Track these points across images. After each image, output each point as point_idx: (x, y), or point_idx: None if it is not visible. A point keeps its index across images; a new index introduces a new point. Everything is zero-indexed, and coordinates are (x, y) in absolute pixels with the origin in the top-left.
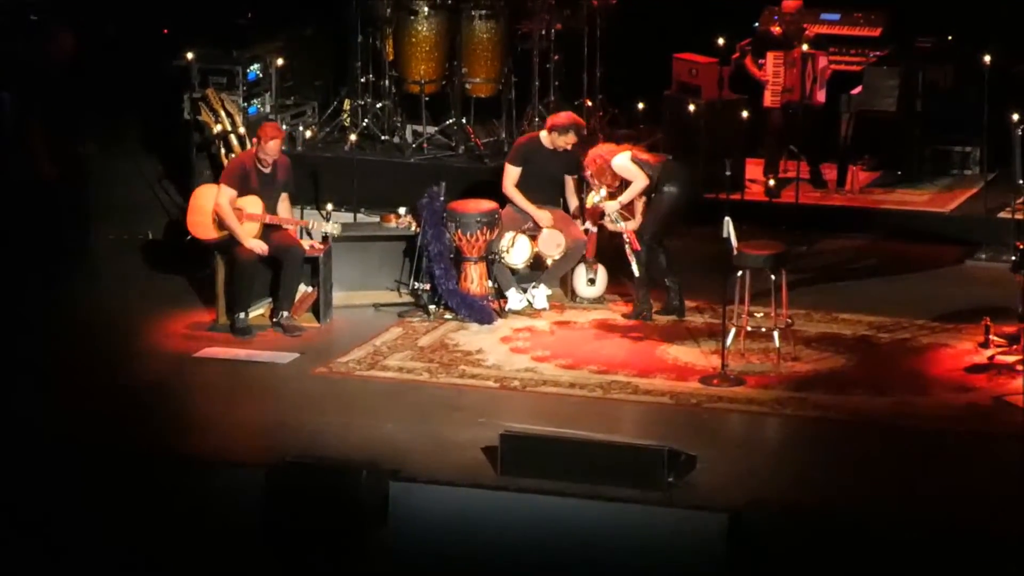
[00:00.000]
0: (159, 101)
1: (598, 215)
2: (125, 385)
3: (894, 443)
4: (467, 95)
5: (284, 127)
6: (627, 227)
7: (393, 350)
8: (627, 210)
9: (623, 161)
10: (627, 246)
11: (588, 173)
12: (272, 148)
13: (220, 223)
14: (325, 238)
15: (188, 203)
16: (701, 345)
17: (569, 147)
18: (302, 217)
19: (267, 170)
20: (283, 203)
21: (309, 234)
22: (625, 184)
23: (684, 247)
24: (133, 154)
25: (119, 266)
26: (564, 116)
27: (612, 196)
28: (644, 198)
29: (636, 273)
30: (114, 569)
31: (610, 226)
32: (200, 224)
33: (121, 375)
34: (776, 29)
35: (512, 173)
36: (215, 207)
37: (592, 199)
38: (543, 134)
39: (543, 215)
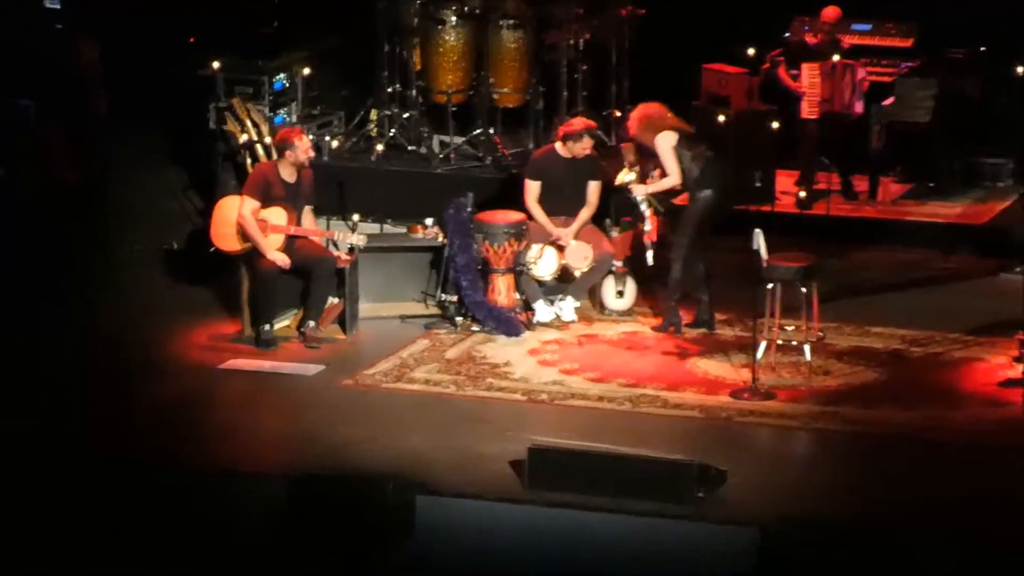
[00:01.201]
0: (185, 111)
1: (624, 192)
2: (148, 397)
3: (926, 458)
4: (494, 105)
5: (310, 137)
6: (649, 214)
7: (420, 362)
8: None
9: (665, 145)
10: (644, 232)
11: (624, 144)
12: (305, 149)
13: (244, 235)
14: (351, 250)
15: (212, 214)
16: (731, 358)
17: (587, 152)
18: (328, 228)
19: (291, 180)
20: (307, 216)
21: (336, 245)
22: (647, 161)
23: (713, 258)
24: (158, 164)
25: (143, 276)
26: (576, 122)
27: (640, 178)
28: (659, 170)
29: (649, 262)
30: None
31: (636, 193)
32: (224, 235)
33: (144, 387)
34: (811, 39)
35: (532, 188)
36: (238, 218)
37: (621, 178)
38: (558, 145)
39: (565, 232)
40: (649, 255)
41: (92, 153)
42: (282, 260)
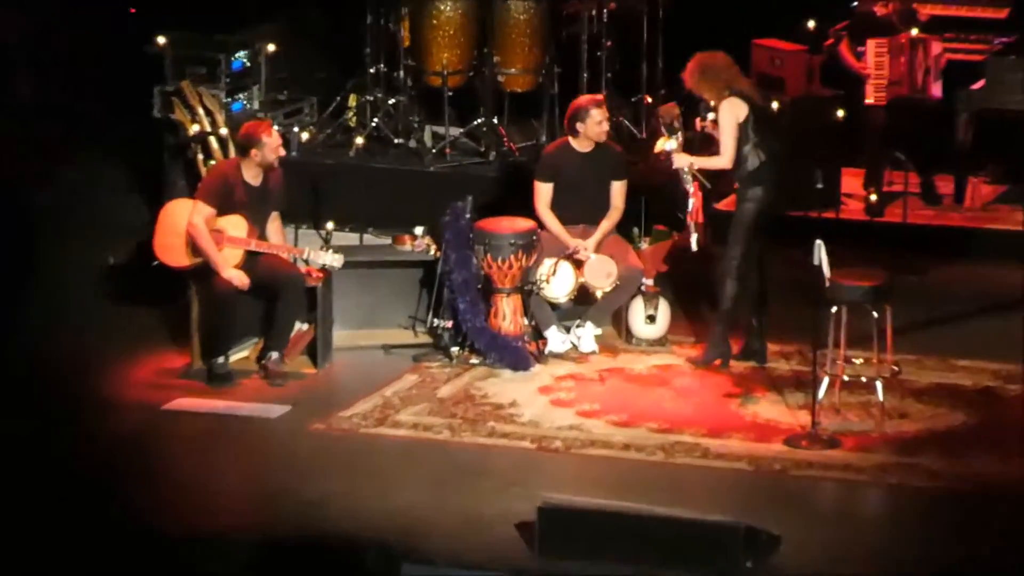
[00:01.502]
0: (124, 95)
1: (665, 162)
2: (78, 445)
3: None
4: (500, 89)
5: (276, 128)
6: (694, 188)
7: (407, 402)
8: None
9: (730, 117)
10: (689, 210)
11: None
12: (274, 148)
13: (195, 247)
14: (327, 242)
15: (157, 221)
16: (787, 398)
17: (603, 133)
18: (296, 241)
19: (256, 183)
20: (273, 223)
21: (305, 262)
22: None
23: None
24: (92, 160)
25: (72, 296)
26: (578, 100)
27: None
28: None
29: (694, 247)
30: None
31: (677, 163)
32: (171, 247)
33: (74, 433)
34: (880, 10)
35: (544, 191)
36: (188, 227)
37: (661, 145)
38: (571, 136)
39: (584, 244)
40: (693, 238)
41: (11, 147)
42: (239, 279)
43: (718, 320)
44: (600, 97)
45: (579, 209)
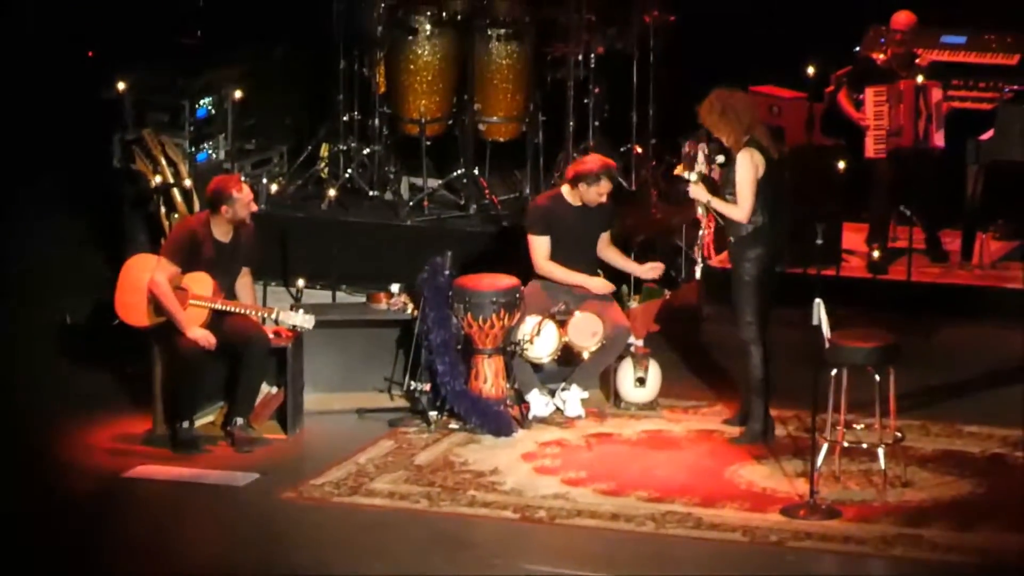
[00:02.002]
0: (82, 145)
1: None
2: (34, 516)
3: None
4: (481, 138)
5: (243, 179)
6: (707, 220)
7: (382, 470)
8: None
9: (749, 166)
10: (699, 242)
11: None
12: (245, 204)
13: (157, 305)
14: (297, 300)
15: (118, 278)
16: (784, 465)
17: (601, 200)
18: (264, 299)
19: (226, 240)
20: (243, 279)
21: (275, 322)
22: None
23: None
24: (47, 212)
25: (27, 357)
26: (591, 160)
27: (706, 182)
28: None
29: (697, 276)
30: None
31: (693, 194)
32: (132, 306)
33: (28, 503)
34: (879, 56)
35: (541, 245)
36: (150, 285)
37: (681, 171)
38: (565, 189)
39: (597, 283)
40: (699, 269)
41: None
42: (205, 339)
43: (755, 392)
44: (613, 164)
45: (571, 262)
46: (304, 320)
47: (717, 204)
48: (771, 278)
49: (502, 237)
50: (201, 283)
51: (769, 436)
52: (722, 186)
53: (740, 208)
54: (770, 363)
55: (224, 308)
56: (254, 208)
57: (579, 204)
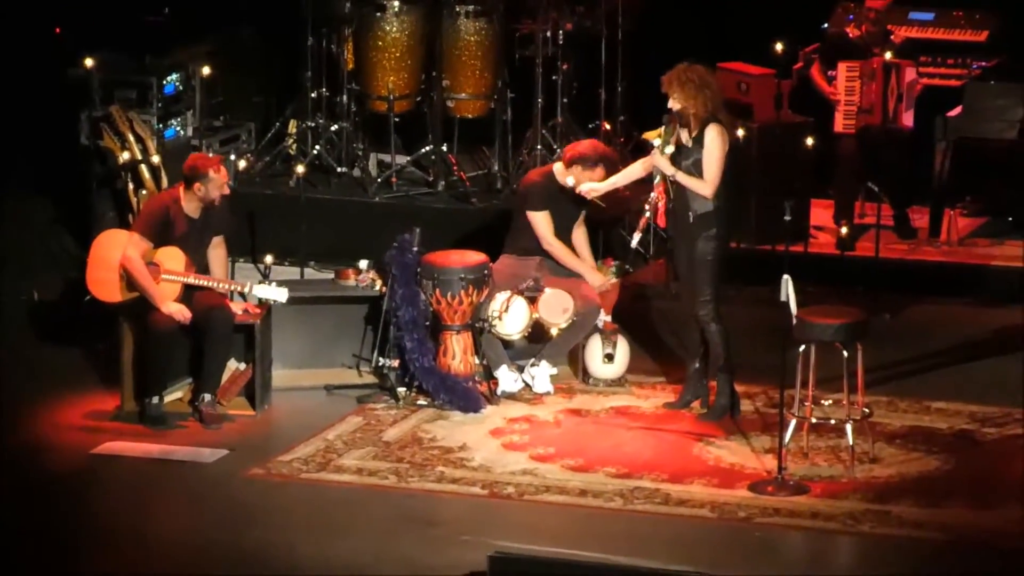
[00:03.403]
0: (49, 122)
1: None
2: (2, 492)
3: (1002, 570)
4: (449, 115)
5: (211, 155)
6: (660, 191)
7: (351, 446)
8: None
9: (721, 143)
10: (648, 208)
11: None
12: (219, 185)
13: (130, 281)
14: (260, 303)
15: (88, 254)
16: (751, 441)
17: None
18: (232, 275)
19: (196, 215)
20: (217, 249)
21: (243, 296)
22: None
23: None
24: (14, 190)
25: None
26: (586, 146)
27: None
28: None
29: (633, 244)
30: None
31: (656, 162)
32: (104, 282)
33: None
34: (853, 32)
35: (545, 220)
36: (123, 260)
37: (651, 136)
38: (558, 167)
39: (596, 280)
40: (637, 236)
41: None
42: (180, 313)
43: (721, 369)
44: (611, 153)
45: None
46: (276, 292)
47: (683, 178)
48: (727, 256)
49: (471, 214)
50: (173, 258)
51: (736, 411)
52: (681, 162)
53: (708, 183)
54: (730, 338)
55: (197, 283)
56: (226, 191)
57: (562, 186)
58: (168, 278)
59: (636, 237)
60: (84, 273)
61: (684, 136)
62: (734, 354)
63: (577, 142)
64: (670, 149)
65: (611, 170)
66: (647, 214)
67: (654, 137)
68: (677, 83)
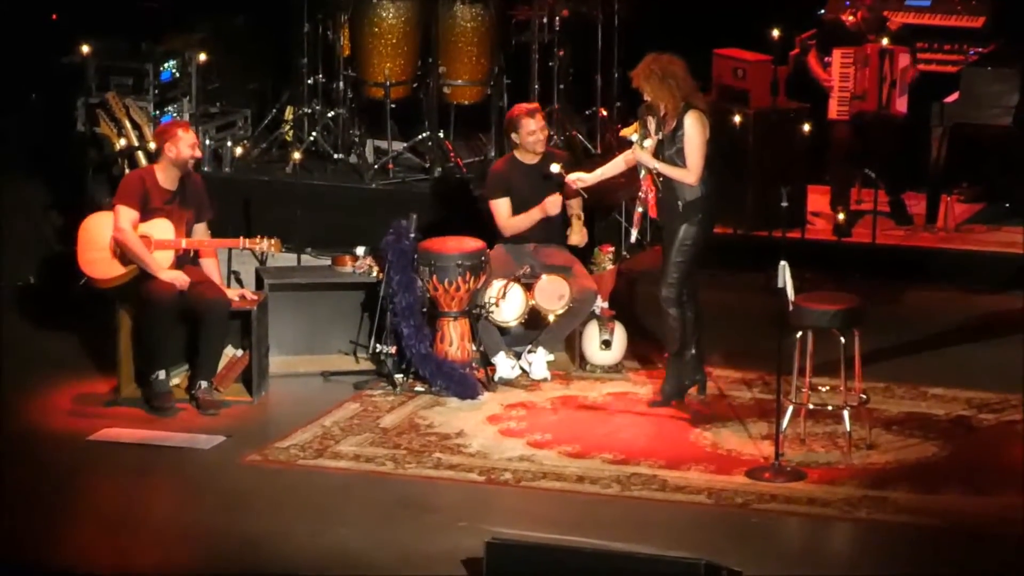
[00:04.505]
0: (46, 108)
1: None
2: None
3: (999, 557)
4: (445, 101)
5: (208, 142)
6: (648, 182)
7: (348, 432)
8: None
9: (700, 130)
10: (639, 203)
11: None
12: (190, 144)
13: (124, 255)
14: (259, 279)
15: (76, 238)
16: (748, 428)
17: (540, 143)
18: (229, 262)
19: (173, 187)
20: (200, 236)
21: (239, 282)
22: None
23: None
24: (10, 177)
25: None
26: (513, 108)
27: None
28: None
29: (633, 239)
30: None
31: (637, 156)
32: (97, 261)
33: None
34: (849, 18)
35: (502, 207)
36: (115, 233)
37: (629, 132)
38: (517, 150)
39: (551, 200)
40: (634, 232)
41: None
42: (180, 279)
43: (674, 355)
44: (534, 105)
45: (535, 227)
46: (270, 244)
47: (665, 168)
48: (707, 244)
49: (468, 200)
50: (162, 228)
51: (681, 397)
52: (664, 152)
53: (691, 171)
54: (700, 323)
55: (188, 248)
56: (198, 154)
57: (533, 162)
58: (161, 247)
59: (634, 232)
60: (76, 257)
61: (653, 125)
62: (689, 343)
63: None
64: (649, 143)
65: (541, 117)
66: (639, 209)
67: (631, 133)
68: (644, 77)
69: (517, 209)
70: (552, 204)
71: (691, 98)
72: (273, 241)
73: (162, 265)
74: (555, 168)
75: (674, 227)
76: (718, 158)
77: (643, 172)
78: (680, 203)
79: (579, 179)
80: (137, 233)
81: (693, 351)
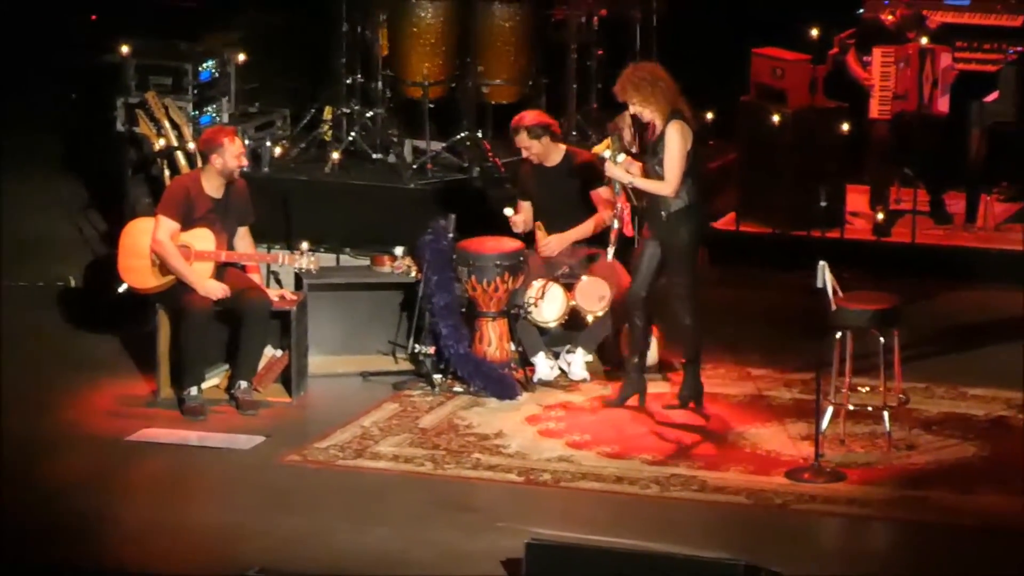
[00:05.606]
0: (85, 108)
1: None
2: (36, 480)
3: None
4: (483, 101)
5: (247, 142)
6: (622, 198)
7: (386, 433)
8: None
9: (681, 141)
10: (615, 224)
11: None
12: (236, 155)
13: (163, 266)
14: (300, 273)
15: (118, 243)
16: (788, 428)
17: (527, 154)
18: (268, 262)
19: (219, 195)
20: (243, 240)
21: (279, 282)
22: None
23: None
24: (49, 176)
25: (28, 323)
26: (533, 116)
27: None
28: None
29: (609, 257)
30: None
31: (610, 173)
32: (136, 269)
33: (31, 467)
34: (888, 17)
35: (523, 209)
36: (153, 245)
37: (600, 150)
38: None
39: (547, 242)
40: (610, 250)
41: None
42: (219, 290)
43: (690, 361)
44: (535, 120)
45: (553, 226)
46: (307, 260)
47: (641, 183)
48: (698, 250)
49: (506, 199)
50: (203, 238)
51: (699, 401)
52: (647, 162)
53: (667, 183)
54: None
55: (228, 260)
56: (244, 162)
57: (551, 164)
58: (201, 258)
59: (611, 251)
60: (116, 261)
61: (628, 136)
62: (701, 346)
63: (525, 111)
64: (622, 158)
65: (554, 140)
66: (615, 226)
67: (603, 150)
68: (631, 87)
69: (537, 210)
70: (545, 248)
71: (677, 103)
72: (313, 259)
73: (202, 276)
74: (508, 212)
75: (661, 240)
76: (699, 165)
77: (618, 188)
78: (664, 213)
79: (546, 246)
80: (177, 243)
81: (635, 360)
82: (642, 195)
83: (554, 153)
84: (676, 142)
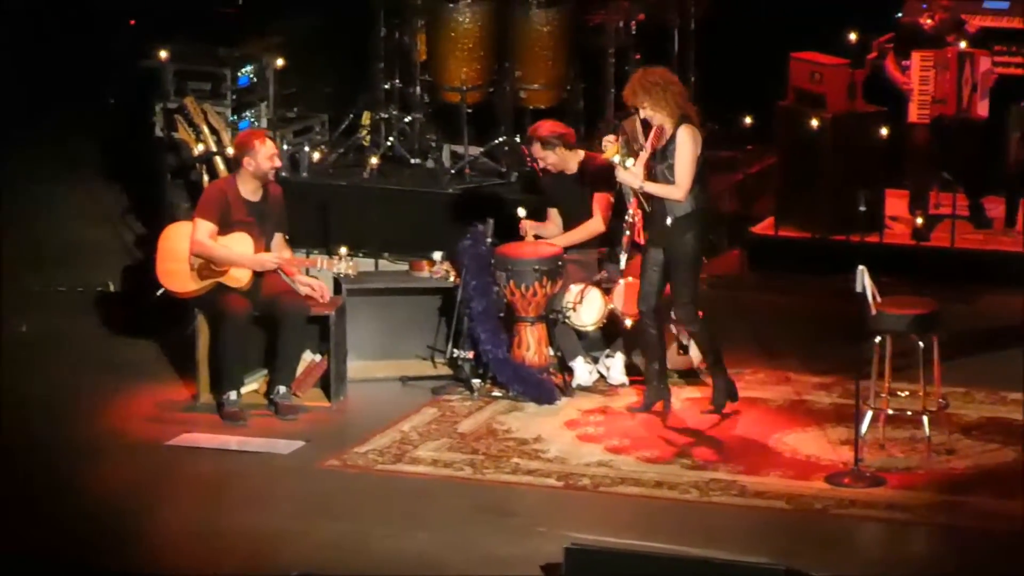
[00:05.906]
0: (124, 113)
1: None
2: (77, 485)
3: None
4: (521, 106)
5: (285, 147)
6: (634, 205)
7: (425, 437)
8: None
9: (693, 144)
10: (626, 227)
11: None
12: (268, 156)
13: (202, 270)
14: (339, 281)
15: (156, 248)
16: (828, 433)
17: (543, 164)
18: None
19: (255, 199)
20: (278, 246)
21: (320, 271)
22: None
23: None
24: (88, 181)
25: (66, 326)
26: (548, 126)
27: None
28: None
29: (621, 265)
30: None
31: (621, 178)
32: (175, 273)
33: (71, 472)
34: (927, 21)
35: (551, 216)
36: (192, 246)
37: (610, 153)
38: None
39: (528, 226)
40: (623, 258)
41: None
42: (272, 262)
43: (713, 365)
44: (547, 131)
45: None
46: (345, 266)
47: (652, 187)
48: (703, 257)
49: (543, 205)
50: (241, 242)
51: (734, 398)
52: (656, 167)
53: (679, 187)
54: (715, 333)
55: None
56: (277, 163)
57: (571, 172)
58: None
59: (623, 258)
60: (155, 265)
61: (641, 139)
62: (719, 346)
63: (540, 122)
64: (631, 162)
65: (569, 149)
66: (627, 232)
67: (613, 154)
68: (642, 91)
69: (564, 216)
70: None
71: (686, 108)
72: (351, 263)
73: (240, 280)
74: (521, 212)
75: (666, 245)
76: (707, 171)
77: (629, 193)
78: (670, 218)
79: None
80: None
81: (655, 366)
82: (651, 200)
83: (572, 161)
84: (688, 145)
